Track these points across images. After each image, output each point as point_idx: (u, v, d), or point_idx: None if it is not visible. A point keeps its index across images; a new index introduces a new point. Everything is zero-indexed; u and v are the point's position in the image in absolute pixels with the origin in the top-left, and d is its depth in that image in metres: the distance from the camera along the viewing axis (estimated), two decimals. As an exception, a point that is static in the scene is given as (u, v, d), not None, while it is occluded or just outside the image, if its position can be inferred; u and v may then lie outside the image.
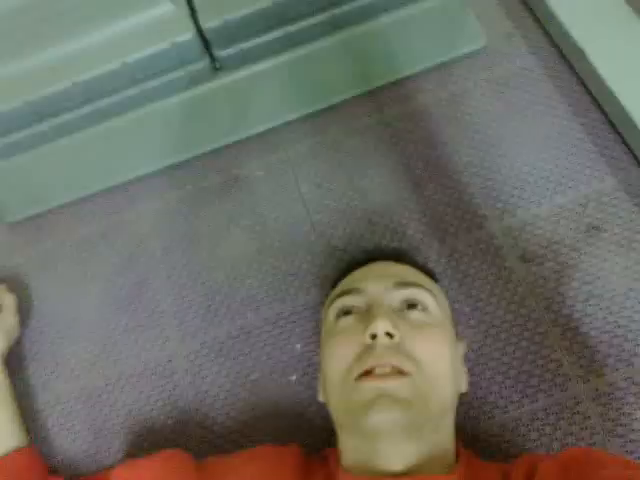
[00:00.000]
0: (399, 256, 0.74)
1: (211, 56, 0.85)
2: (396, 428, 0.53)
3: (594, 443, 0.69)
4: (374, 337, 0.56)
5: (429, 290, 0.64)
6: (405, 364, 0.55)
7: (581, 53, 0.86)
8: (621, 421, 0.70)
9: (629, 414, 0.70)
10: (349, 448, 0.60)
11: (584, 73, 0.89)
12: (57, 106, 0.82)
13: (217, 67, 0.87)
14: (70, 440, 0.81)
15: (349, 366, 0.57)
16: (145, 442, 0.79)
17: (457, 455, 0.59)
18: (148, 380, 0.82)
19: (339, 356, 0.59)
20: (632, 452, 0.68)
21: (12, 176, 0.92)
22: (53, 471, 0.77)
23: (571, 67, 0.91)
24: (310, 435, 0.75)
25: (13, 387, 0.79)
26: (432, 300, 0.63)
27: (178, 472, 0.64)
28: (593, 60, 0.85)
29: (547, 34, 0.94)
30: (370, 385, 0.55)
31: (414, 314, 0.61)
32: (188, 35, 0.78)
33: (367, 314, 0.60)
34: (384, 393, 0.54)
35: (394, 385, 0.54)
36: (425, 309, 0.62)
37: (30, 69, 0.79)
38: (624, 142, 0.85)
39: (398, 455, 0.55)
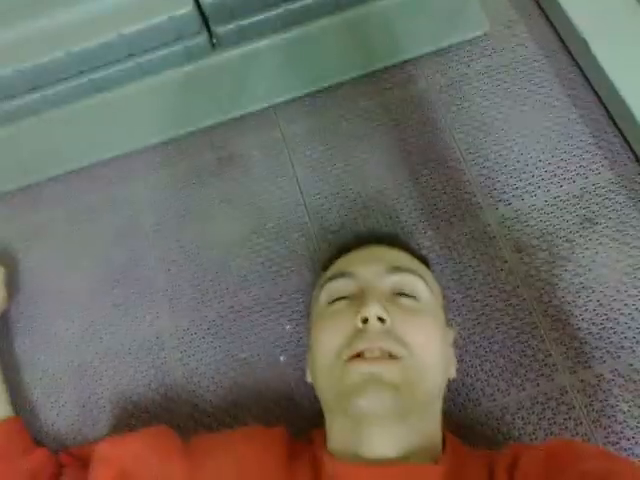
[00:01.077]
0: (392, 241, 0.73)
1: (209, 32, 0.83)
2: (384, 412, 0.53)
3: (578, 433, 0.70)
4: (365, 321, 0.56)
5: (421, 276, 0.64)
6: (395, 348, 0.55)
7: (584, 44, 0.86)
8: (606, 412, 0.71)
9: (614, 406, 0.71)
10: (336, 431, 0.60)
11: (586, 64, 0.88)
12: (50, 76, 0.81)
13: (215, 43, 0.85)
14: (55, 414, 0.80)
15: (339, 349, 0.57)
16: (131, 418, 0.78)
17: (444, 443, 0.60)
18: (136, 356, 0.82)
19: (329, 339, 0.59)
20: (615, 443, 0.69)
21: (3, 146, 0.91)
22: (38, 444, 0.76)
23: (573, 58, 0.90)
24: (297, 415, 0.76)
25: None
26: (424, 286, 0.63)
27: (163, 449, 0.64)
28: (595, 52, 0.84)
29: (550, 23, 0.94)
30: (359, 368, 0.55)
31: (405, 299, 0.61)
32: (186, 9, 0.77)
33: (359, 298, 0.60)
34: (373, 377, 0.54)
35: (383, 369, 0.54)
36: (417, 295, 0.62)
37: (24, 36, 0.77)
38: (622, 135, 0.84)
39: (385, 440, 0.55)
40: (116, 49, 0.79)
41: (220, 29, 0.82)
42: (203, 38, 0.83)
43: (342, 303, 0.62)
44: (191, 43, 0.83)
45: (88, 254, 0.89)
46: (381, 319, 0.56)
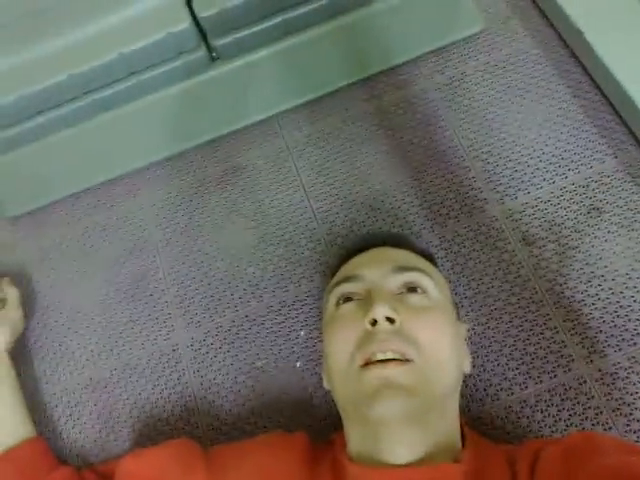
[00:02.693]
0: (397, 241, 0.73)
1: (208, 46, 0.84)
2: (402, 415, 0.53)
3: (599, 423, 0.70)
4: (374, 323, 0.56)
5: (427, 273, 0.63)
6: (406, 348, 0.55)
7: (579, 34, 0.86)
8: (625, 400, 0.70)
9: (633, 393, 0.70)
10: (354, 436, 0.60)
11: (583, 54, 0.88)
12: (55, 99, 0.82)
13: (214, 57, 0.86)
14: (77, 431, 0.81)
15: (351, 353, 0.57)
16: (152, 431, 0.79)
17: (464, 438, 0.59)
18: (154, 370, 0.82)
19: (340, 343, 0.59)
20: (637, 431, 0.69)
21: (12, 170, 0.92)
22: (62, 461, 0.77)
23: (570, 49, 0.91)
24: (316, 421, 0.76)
25: (18, 380, 0.79)
26: (431, 283, 0.62)
27: (185, 461, 0.65)
28: (591, 41, 0.85)
29: (545, 16, 0.94)
30: (374, 374, 0.54)
31: (413, 298, 0.60)
32: (184, 25, 0.78)
33: (367, 300, 0.60)
34: (388, 382, 0.54)
35: (397, 372, 0.54)
36: (424, 292, 0.61)
37: (27, 62, 0.79)
38: (624, 123, 0.84)
39: (404, 445, 0.55)
40: (117, 68, 0.80)
41: (218, 42, 0.83)
42: (202, 52, 0.84)
43: (350, 305, 0.62)
44: (191, 58, 0.83)
45: (100, 271, 0.90)
46: (390, 319, 0.56)
